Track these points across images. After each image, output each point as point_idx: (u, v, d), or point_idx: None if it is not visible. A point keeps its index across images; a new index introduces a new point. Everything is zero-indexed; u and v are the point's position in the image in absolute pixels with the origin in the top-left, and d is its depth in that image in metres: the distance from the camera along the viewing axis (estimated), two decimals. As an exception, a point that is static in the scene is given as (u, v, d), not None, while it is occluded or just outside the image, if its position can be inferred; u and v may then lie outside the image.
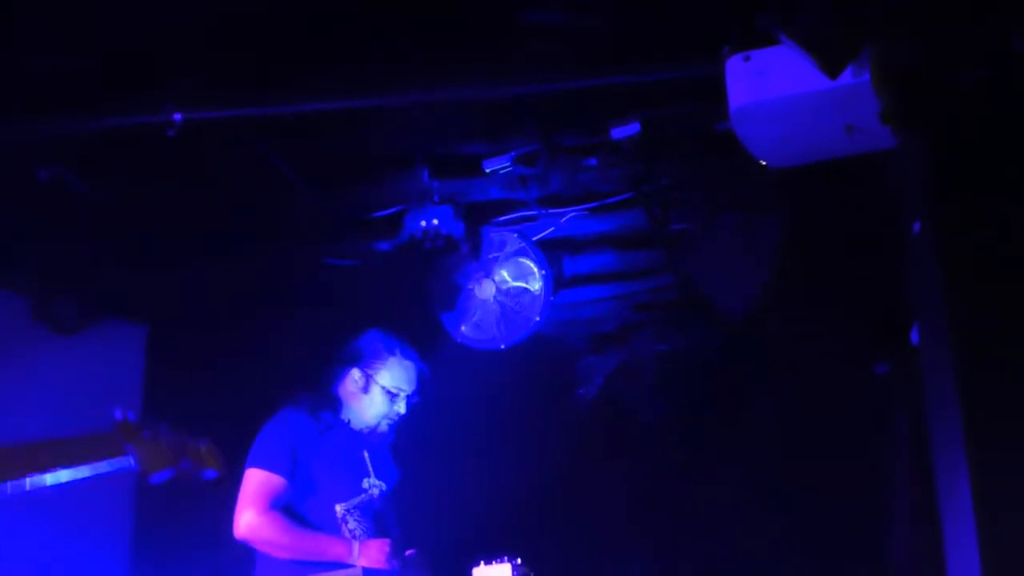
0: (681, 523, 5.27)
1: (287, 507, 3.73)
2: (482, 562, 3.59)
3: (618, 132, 4.19)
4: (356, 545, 3.64)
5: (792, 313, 4.83)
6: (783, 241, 4.50)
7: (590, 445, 5.49)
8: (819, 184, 4.44)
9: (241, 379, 5.03)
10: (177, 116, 3.70)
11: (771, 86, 3.10)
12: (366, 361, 4.03)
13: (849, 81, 3.04)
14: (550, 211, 5.13)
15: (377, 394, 3.99)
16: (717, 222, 4.62)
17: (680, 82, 3.51)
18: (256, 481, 3.72)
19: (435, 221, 4.80)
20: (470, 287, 5.24)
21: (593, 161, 4.49)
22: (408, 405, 4.05)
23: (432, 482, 4.95)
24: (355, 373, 4.01)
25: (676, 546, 5.26)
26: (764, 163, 3.35)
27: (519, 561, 3.56)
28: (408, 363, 4.07)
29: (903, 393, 5.10)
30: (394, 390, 4.00)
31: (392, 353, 4.05)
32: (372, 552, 3.61)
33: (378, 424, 4.01)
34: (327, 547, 3.66)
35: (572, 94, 3.90)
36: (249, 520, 3.64)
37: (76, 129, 3.78)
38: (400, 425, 4.18)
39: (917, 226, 4.04)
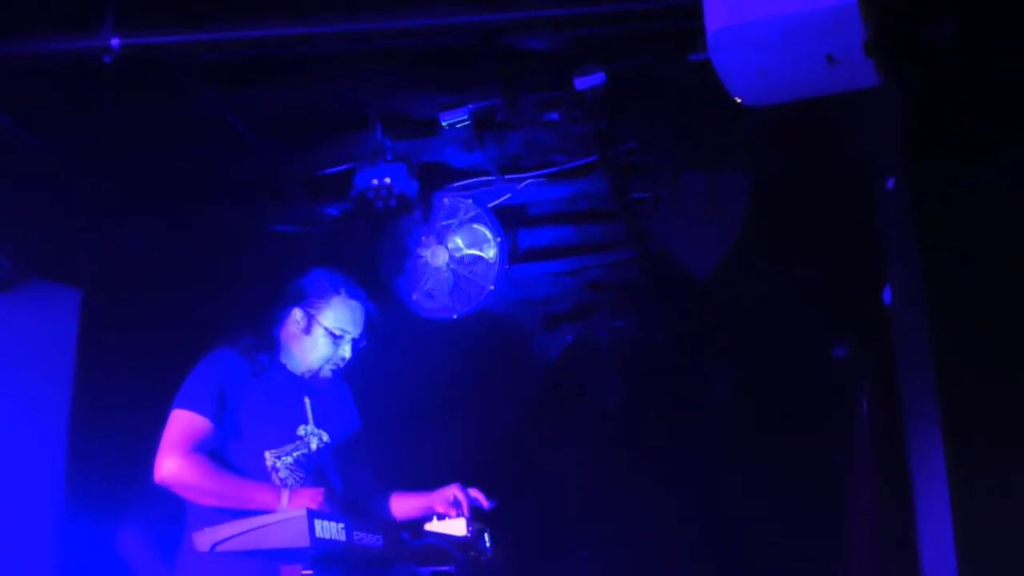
0: (637, 499, 5.12)
1: (213, 452, 3.49)
2: (435, 517, 3.39)
3: (582, 82, 4.03)
4: (285, 493, 3.41)
5: (755, 276, 4.68)
6: (749, 199, 4.35)
7: (544, 420, 5.33)
8: (787, 142, 4.33)
9: (179, 347, 4.78)
10: (115, 41, 3.47)
11: (752, 6, 2.93)
12: (309, 301, 3.78)
13: (835, 3, 2.87)
14: (507, 177, 4.95)
15: (320, 335, 3.74)
16: (682, 181, 4.45)
17: (653, 14, 3.33)
18: (179, 423, 3.50)
19: (387, 180, 4.61)
20: (422, 254, 5.05)
21: (555, 115, 4.32)
22: (354, 349, 3.79)
23: (383, 449, 4.77)
24: (296, 313, 3.76)
25: (632, 522, 5.12)
26: (739, 100, 3.17)
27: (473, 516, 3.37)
28: (354, 303, 3.81)
29: (864, 376, 5.01)
30: (337, 331, 3.75)
31: (336, 292, 3.79)
32: (303, 501, 3.37)
33: (320, 368, 3.76)
34: (253, 493, 3.43)
35: (538, 36, 3.73)
36: (170, 464, 3.42)
37: (4, 56, 3.52)
38: (350, 382, 3.96)
39: (891, 182, 3.93)
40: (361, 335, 3.80)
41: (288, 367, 3.76)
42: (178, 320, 5.02)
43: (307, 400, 3.73)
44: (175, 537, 3.61)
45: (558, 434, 5.32)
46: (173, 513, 3.60)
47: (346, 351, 3.74)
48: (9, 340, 4.77)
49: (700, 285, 4.75)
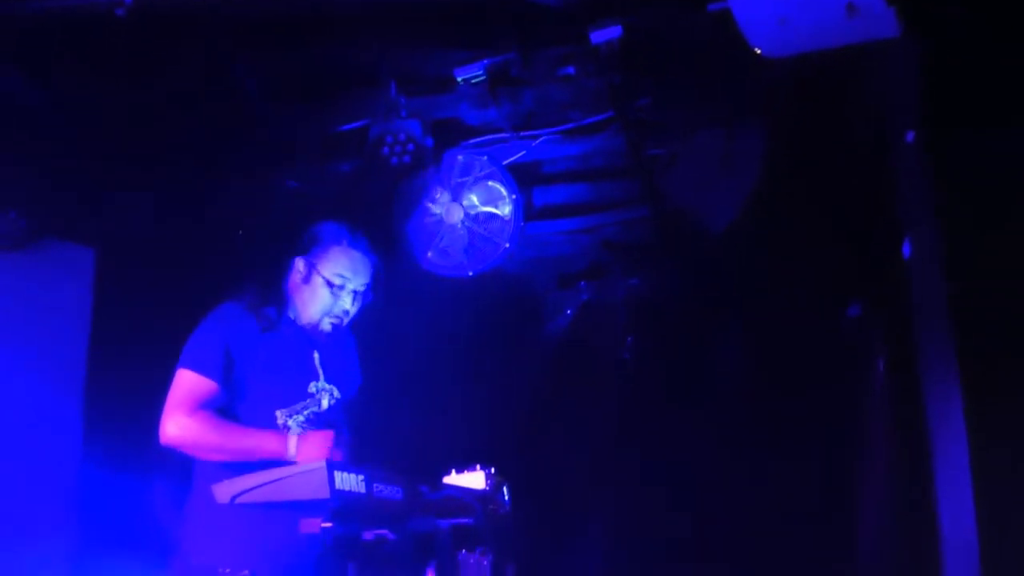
0: (651, 456, 5.10)
1: (221, 411, 3.46)
2: (454, 470, 3.37)
3: (598, 36, 3.99)
4: (292, 438, 3.38)
5: (769, 233, 4.65)
6: (765, 155, 4.31)
7: (558, 378, 5.30)
8: (805, 97, 4.29)
9: (193, 304, 4.78)
10: (128, -7, 3.44)
11: (774, -48, 2.90)
12: (310, 251, 3.71)
13: (858, -52, 2.84)
14: (522, 134, 4.92)
15: (319, 285, 3.66)
16: (697, 137, 4.42)
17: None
18: (184, 384, 3.46)
19: (402, 136, 4.58)
20: (436, 211, 5.02)
21: (570, 70, 4.28)
22: (358, 301, 3.72)
23: (398, 405, 4.77)
24: (298, 263, 3.70)
25: (646, 478, 5.10)
26: (758, 51, 3.14)
27: (492, 470, 3.35)
28: (355, 253, 3.71)
29: (880, 335, 4.99)
30: (337, 280, 3.66)
31: (337, 242, 3.71)
32: (313, 444, 3.35)
33: (320, 320, 3.67)
34: (260, 443, 3.40)
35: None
36: (174, 424, 3.40)
37: (15, 12, 3.49)
38: (363, 341, 3.93)
39: (910, 136, 3.89)
40: (367, 288, 3.72)
41: (296, 321, 3.69)
42: (192, 279, 5.01)
43: (316, 355, 3.68)
44: (185, 492, 3.59)
45: (572, 391, 5.29)
46: (187, 469, 3.59)
47: (346, 302, 3.67)
48: (25, 298, 4.78)
49: (714, 242, 4.72)
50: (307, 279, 3.67)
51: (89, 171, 4.77)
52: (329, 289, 3.66)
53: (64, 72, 4.08)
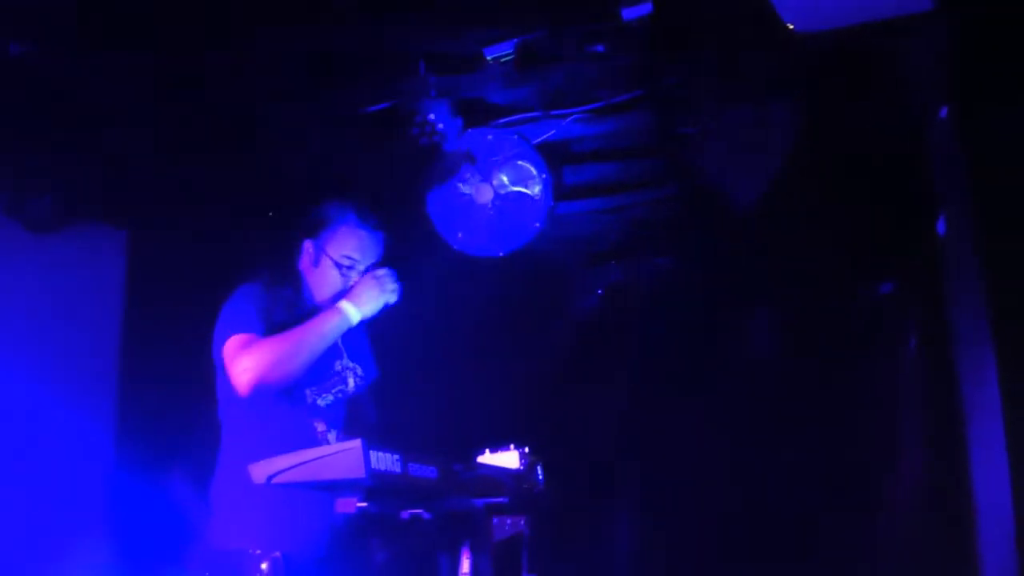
0: (680, 437, 5.10)
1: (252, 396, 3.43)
2: (487, 450, 3.36)
3: (629, 12, 3.96)
4: (342, 303, 3.42)
5: (800, 209, 4.63)
6: (796, 131, 4.28)
7: (587, 358, 5.30)
8: (836, 72, 4.26)
9: (227, 288, 4.80)
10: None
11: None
12: (318, 232, 3.67)
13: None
14: (551, 113, 4.90)
15: (328, 267, 3.62)
16: (728, 114, 4.39)
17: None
18: (236, 343, 3.39)
19: (431, 116, 4.56)
20: (466, 191, 5.01)
21: (600, 47, 4.25)
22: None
23: (429, 385, 4.79)
24: (308, 245, 3.66)
25: (675, 458, 5.10)
26: (791, 26, 3.11)
27: (526, 449, 3.34)
28: (363, 232, 3.65)
29: (912, 312, 4.96)
30: (345, 261, 3.60)
31: (344, 221, 3.65)
32: (365, 290, 3.38)
33: (335, 301, 3.59)
34: (318, 325, 3.40)
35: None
36: (241, 370, 3.32)
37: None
38: (392, 321, 3.91)
39: (944, 111, 3.86)
40: (375, 265, 3.66)
41: (313, 302, 3.65)
42: (226, 262, 5.02)
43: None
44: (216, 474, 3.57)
45: (602, 370, 5.30)
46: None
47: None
48: (57, 282, 4.81)
49: (744, 220, 4.70)
50: (316, 261, 3.64)
51: (120, 151, 4.79)
52: (339, 270, 3.61)
53: (94, 51, 4.07)
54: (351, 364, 3.64)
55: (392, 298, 3.51)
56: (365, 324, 3.74)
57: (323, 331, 3.38)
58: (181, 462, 4.55)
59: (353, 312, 3.39)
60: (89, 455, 4.79)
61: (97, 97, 4.38)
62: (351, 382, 3.62)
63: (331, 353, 3.57)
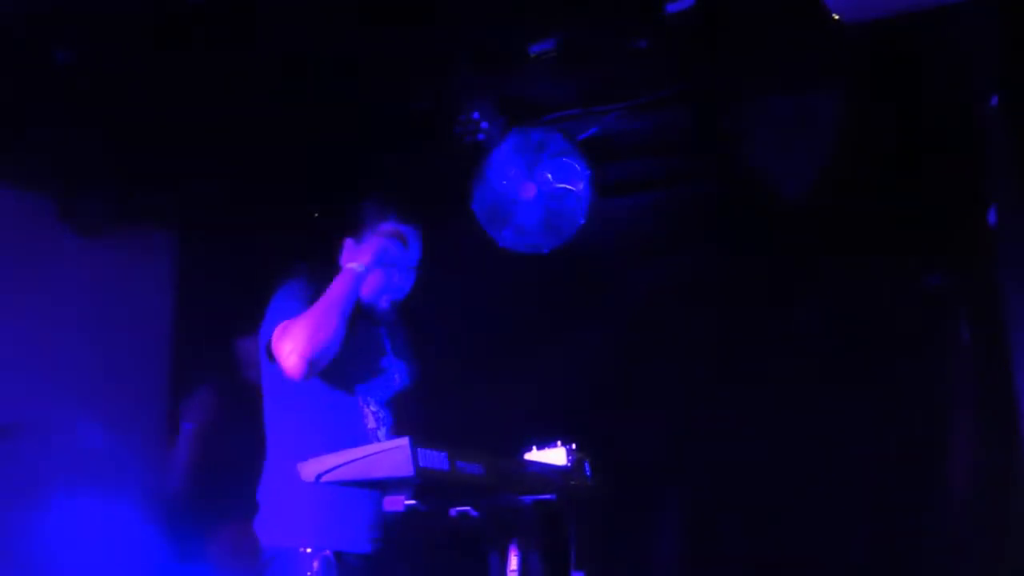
0: (730, 430, 5.06)
1: (300, 392, 3.45)
2: (535, 446, 3.35)
3: (673, 6, 3.94)
4: (351, 263, 3.47)
5: (846, 200, 4.59)
6: (843, 122, 4.24)
7: (633, 353, 5.27)
8: (883, 62, 4.21)
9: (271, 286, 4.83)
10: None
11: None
12: (360, 230, 3.66)
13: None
14: (594, 109, 4.89)
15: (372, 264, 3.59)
16: (773, 106, 4.36)
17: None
18: (280, 331, 3.38)
19: (475, 114, 4.57)
20: (511, 188, 5.00)
21: (643, 43, 4.23)
22: (411, 278, 3.67)
23: (475, 383, 4.78)
24: (349, 244, 3.65)
25: (725, 451, 5.06)
26: (836, 17, 3.08)
27: (574, 446, 3.33)
28: (403, 229, 3.64)
29: (964, 303, 4.90)
30: (387, 260, 3.60)
31: (385, 219, 3.64)
32: (367, 247, 3.47)
33: (377, 299, 3.62)
34: (335, 287, 3.44)
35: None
36: (289, 350, 3.31)
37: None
38: (438, 318, 3.92)
39: (995, 99, 3.81)
40: (416, 261, 3.66)
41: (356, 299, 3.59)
42: (274, 263, 5.05)
43: (383, 331, 3.66)
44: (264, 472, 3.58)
45: (648, 365, 5.27)
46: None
47: (399, 280, 3.62)
48: (108, 285, 4.85)
49: (790, 214, 4.67)
50: (358, 259, 3.62)
51: (166, 155, 4.82)
52: (380, 268, 3.61)
53: (137, 57, 4.11)
54: (396, 361, 3.64)
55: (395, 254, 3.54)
56: (421, 315, 3.79)
57: (341, 292, 3.42)
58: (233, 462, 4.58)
59: (356, 266, 3.44)
60: (141, 458, 4.82)
61: (146, 101, 4.41)
62: (397, 379, 3.61)
63: (375, 350, 3.58)
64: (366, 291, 3.59)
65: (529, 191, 5.00)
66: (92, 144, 4.46)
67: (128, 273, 4.95)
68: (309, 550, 3.27)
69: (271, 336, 3.40)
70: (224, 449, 4.34)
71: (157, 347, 5.03)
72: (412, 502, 3.05)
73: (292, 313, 3.40)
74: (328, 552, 3.26)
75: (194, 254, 5.25)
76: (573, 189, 4.99)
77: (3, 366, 3.97)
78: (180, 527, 4.76)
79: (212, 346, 4.91)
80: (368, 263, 3.49)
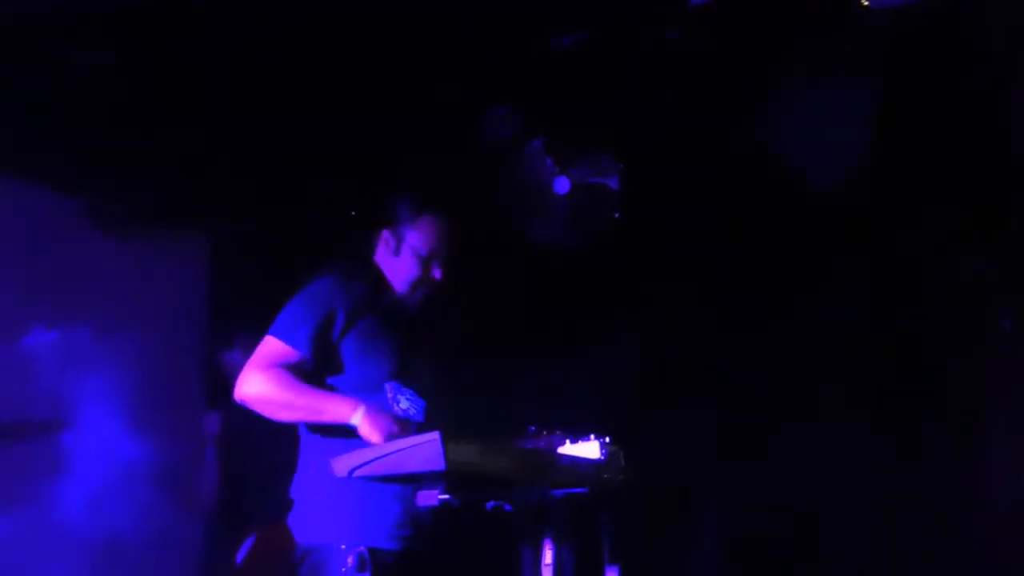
0: (766, 429, 5.04)
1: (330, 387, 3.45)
2: (568, 440, 3.34)
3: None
4: (361, 409, 3.28)
5: (884, 189, 4.55)
6: (877, 109, 4.20)
7: (673, 345, 5.27)
8: (914, 48, 4.17)
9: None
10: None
11: None
12: (396, 222, 3.63)
13: None
14: (624, 101, 4.87)
15: (407, 256, 3.59)
16: (806, 95, 4.32)
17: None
18: (267, 348, 3.39)
19: (506, 109, 4.57)
20: (545, 183, 5.00)
21: (673, 34, 4.22)
22: (447, 269, 3.63)
23: (508, 377, 4.79)
24: (387, 235, 3.64)
25: (761, 454, 5.05)
26: (866, 2, 3.05)
27: (607, 439, 3.31)
28: (441, 221, 3.63)
29: (1004, 293, 4.87)
30: (425, 251, 3.59)
31: (423, 212, 3.63)
32: (375, 423, 3.23)
33: (413, 291, 3.60)
34: (327, 404, 3.33)
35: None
36: (249, 379, 3.33)
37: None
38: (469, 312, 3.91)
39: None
40: (453, 253, 3.64)
41: (389, 291, 3.62)
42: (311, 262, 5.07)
43: (414, 325, 3.63)
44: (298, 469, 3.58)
45: (689, 360, 5.26)
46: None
47: (437, 273, 3.63)
48: (144, 285, 4.88)
49: (828, 203, 4.64)
50: (396, 251, 3.62)
51: (198, 158, 4.86)
52: (418, 259, 3.60)
53: (171, 63, 4.15)
54: (427, 355, 3.63)
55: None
56: (453, 308, 3.77)
57: (326, 412, 3.33)
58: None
59: (357, 422, 3.26)
60: (177, 454, 4.86)
61: (176, 102, 4.45)
62: (426, 375, 3.60)
63: (406, 344, 3.56)
64: (405, 280, 3.61)
65: (563, 186, 4.99)
66: (123, 144, 4.50)
67: (162, 273, 4.99)
68: (343, 546, 3.27)
69: (266, 336, 3.41)
70: (259, 446, 4.34)
71: (192, 344, 5.07)
72: (445, 497, 3.05)
73: (295, 332, 3.39)
74: (362, 548, 3.26)
75: (227, 254, 5.28)
76: (605, 183, 4.98)
77: (40, 365, 4.00)
78: (218, 525, 4.81)
79: (247, 343, 4.94)
80: (363, 431, 3.30)
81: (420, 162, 4.86)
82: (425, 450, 2.84)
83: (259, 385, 3.34)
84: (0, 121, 4.21)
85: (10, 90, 4.07)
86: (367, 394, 3.42)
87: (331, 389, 3.42)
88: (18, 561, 4.04)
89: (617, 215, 5.03)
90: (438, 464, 2.81)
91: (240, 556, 4.67)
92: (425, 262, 3.60)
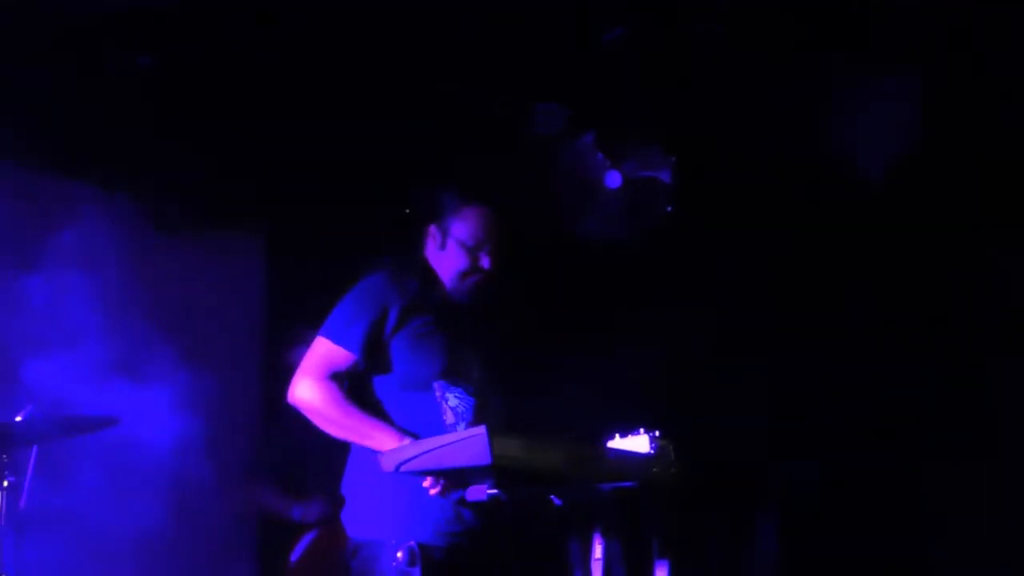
0: (827, 434, 5.01)
1: (376, 388, 3.45)
2: (617, 435, 3.31)
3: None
4: (406, 441, 3.24)
5: (927, 180, 4.50)
6: (922, 100, 4.16)
7: (724, 341, 5.24)
8: (959, 38, 4.12)
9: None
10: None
11: None
12: (442, 215, 3.63)
13: None
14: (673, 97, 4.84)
15: (454, 249, 3.57)
16: (852, 87, 4.29)
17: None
18: (319, 350, 3.41)
19: (554, 104, 4.57)
20: (596, 177, 4.98)
21: (719, 28, 4.19)
22: (497, 260, 3.60)
23: (558, 369, 4.79)
24: (434, 230, 3.63)
25: (822, 452, 5.02)
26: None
27: (657, 433, 3.28)
28: (486, 211, 3.60)
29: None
30: (472, 242, 3.56)
31: (467, 202, 3.61)
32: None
33: (463, 284, 3.58)
34: (373, 431, 3.32)
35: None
36: (304, 386, 3.36)
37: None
38: (517, 307, 3.90)
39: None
40: (502, 244, 3.61)
41: (439, 288, 3.62)
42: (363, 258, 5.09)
43: (465, 322, 3.61)
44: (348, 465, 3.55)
45: (741, 356, 5.24)
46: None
47: (485, 263, 3.59)
48: (199, 286, 4.92)
49: (872, 192, 4.61)
50: (443, 245, 3.61)
51: (251, 156, 4.89)
52: (466, 252, 3.59)
53: (223, 60, 4.18)
54: (478, 351, 3.62)
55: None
56: (508, 303, 3.79)
57: (370, 438, 3.33)
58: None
59: (392, 461, 3.15)
60: (235, 454, 4.90)
61: (230, 100, 4.49)
62: (476, 372, 3.59)
63: (456, 341, 3.55)
64: (454, 273, 3.60)
65: (613, 179, 4.97)
66: (177, 144, 4.54)
67: (218, 271, 5.04)
68: (394, 541, 3.28)
69: (318, 336, 3.43)
70: (314, 443, 4.39)
71: (249, 343, 5.10)
72: (494, 491, 3.05)
73: (348, 332, 3.40)
74: (412, 543, 3.26)
75: (282, 252, 5.32)
76: (657, 176, 4.95)
77: (98, 365, 4.07)
78: (274, 523, 4.85)
79: (304, 341, 4.97)
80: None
81: (464, 156, 4.87)
82: (472, 444, 2.83)
83: (311, 395, 3.37)
84: (53, 125, 4.27)
85: (63, 94, 4.13)
86: (414, 393, 3.43)
87: (376, 396, 3.45)
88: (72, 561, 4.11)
89: (669, 208, 4.99)
90: (484, 458, 2.79)
91: (295, 555, 4.70)
92: (472, 252, 3.58)
